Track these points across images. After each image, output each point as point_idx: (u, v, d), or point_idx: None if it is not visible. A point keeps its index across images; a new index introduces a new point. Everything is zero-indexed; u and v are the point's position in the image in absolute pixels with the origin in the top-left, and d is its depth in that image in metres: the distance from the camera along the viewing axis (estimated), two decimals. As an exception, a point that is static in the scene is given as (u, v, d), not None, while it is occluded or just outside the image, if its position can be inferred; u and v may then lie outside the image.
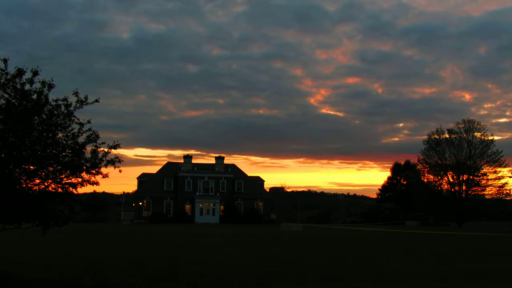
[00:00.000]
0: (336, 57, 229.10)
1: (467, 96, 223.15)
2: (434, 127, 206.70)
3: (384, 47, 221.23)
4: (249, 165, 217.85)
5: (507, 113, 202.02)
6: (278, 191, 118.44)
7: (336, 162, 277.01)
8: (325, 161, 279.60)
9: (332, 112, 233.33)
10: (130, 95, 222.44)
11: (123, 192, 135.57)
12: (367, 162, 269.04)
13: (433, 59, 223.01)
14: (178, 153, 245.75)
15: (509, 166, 74.26)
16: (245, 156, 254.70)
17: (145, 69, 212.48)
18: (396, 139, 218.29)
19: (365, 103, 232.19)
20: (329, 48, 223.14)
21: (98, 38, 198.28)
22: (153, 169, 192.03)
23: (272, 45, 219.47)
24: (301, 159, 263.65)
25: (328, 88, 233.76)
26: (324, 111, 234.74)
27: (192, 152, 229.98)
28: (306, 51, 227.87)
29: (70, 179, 16.90)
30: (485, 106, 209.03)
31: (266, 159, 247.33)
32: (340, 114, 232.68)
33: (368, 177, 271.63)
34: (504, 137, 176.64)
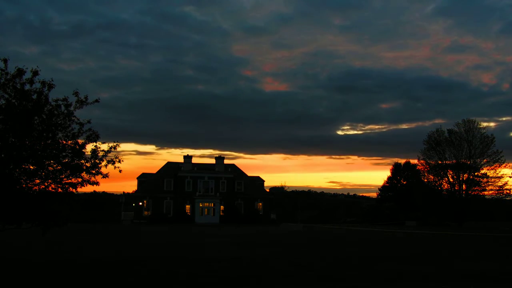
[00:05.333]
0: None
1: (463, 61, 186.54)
2: (423, 110, 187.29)
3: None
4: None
5: (503, 89, 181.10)
6: (278, 191, 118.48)
7: (323, 158, 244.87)
8: (305, 156, 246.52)
9: (287, 89, 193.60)
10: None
11: (123, 192, 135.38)
12: (353, 157, 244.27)
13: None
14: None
15: (509, 164, 74.30)
16: (209, 151, 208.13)
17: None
18: (379, 127, 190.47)
19: (326, 74, 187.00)
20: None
21: None
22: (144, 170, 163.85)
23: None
24: (281, 155, 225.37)
25: (274, 51, 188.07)
26: (276, 87, 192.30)
27: (130, 148, 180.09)
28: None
29: (70, 179, 16.93)
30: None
31: (241, 154, 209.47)
32: (298, 91, 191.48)
33: (367, 176, 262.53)
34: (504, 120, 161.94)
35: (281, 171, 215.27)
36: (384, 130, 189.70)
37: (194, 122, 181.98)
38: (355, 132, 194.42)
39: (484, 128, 75.97)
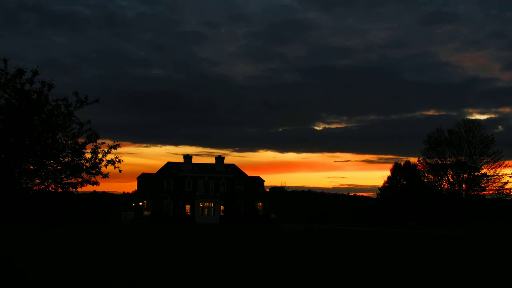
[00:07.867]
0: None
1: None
2: (414, 101, 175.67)
3: None
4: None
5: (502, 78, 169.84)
6: (278, 191, 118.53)
7: (314, 155, 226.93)
8: (294, 154, 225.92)
9: (256, 73, 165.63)
10: None
11: (123, 192, 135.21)
12: (342, 154, 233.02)
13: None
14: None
15: (509, 165, 74.35)
16: (192, 148, 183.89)
17: None
18: (366, 119, 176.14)
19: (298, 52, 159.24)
20: None
21: None
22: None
23: None
24: (269, 151, 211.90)
25: (233, 25, 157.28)
26: (245, 71, 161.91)
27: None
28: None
29: (70, 179, 16.93)
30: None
31: (227, 151, 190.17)
32: (269, 74, 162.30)
33: (362, 176, 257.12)
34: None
35: (277, 169, 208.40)
36: (371, 123, 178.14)
37: (164, 115, 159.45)
38: (339, 125, 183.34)
39: (484, 127, 76.08)
